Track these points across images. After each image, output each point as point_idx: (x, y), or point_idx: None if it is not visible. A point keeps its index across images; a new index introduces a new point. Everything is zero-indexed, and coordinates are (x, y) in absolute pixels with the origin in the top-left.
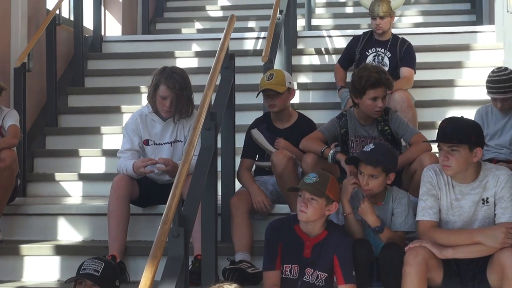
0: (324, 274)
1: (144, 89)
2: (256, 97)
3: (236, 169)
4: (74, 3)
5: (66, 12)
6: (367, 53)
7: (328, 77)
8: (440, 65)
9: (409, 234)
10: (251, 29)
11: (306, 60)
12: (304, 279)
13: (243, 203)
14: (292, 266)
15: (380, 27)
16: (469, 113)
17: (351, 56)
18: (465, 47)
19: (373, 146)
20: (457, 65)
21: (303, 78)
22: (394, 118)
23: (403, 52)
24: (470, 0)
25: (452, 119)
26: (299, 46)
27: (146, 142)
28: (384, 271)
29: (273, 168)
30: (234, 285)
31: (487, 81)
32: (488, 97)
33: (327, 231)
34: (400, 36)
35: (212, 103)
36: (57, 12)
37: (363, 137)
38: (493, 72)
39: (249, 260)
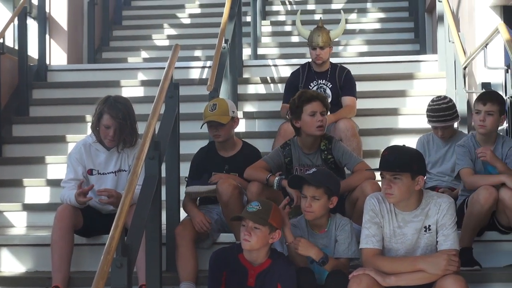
0: None
1: (89, 118)
2: (200, 128)
3: (181, 198)
4: (18, 32)
5: (10, 40)
6: (309, 86)
7: (273, 106)
8: (385, 94)
9: (353, 261)
10: (197, 58)
11: (252, 89)
12: None
13: (187, 232)
14: None
15: (320, 57)
16: (413, 141)
17: (294, 92)
18: (409, 76)
19: (315, 169)
20: (401, 93)
21: (249, 107)
22: (337, 147)
23: (342, 81)
24: (414, 29)
25: (394, 148)
26: (245, 75)
27: (90, 172)
28: None
29: (219, 197)
30: None
31: (427, 110)
32: None
33: (271, 260)
34: (338, 64)
35: (156, 132)
36: (1, 40)
37: (307, 166)
38: (432, 101)
39: None
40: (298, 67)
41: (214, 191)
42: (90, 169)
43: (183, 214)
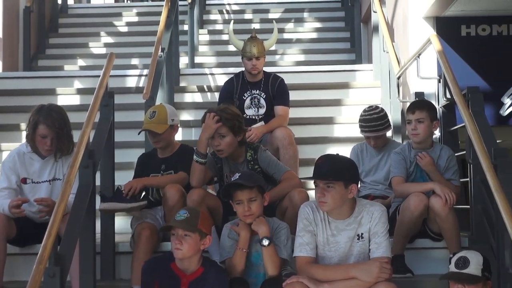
0: None
1: (24, 126)
2: (138, 134)
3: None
4: None
5: None
6: (243, 97)
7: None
8: (321, 103)
9: (287, 270)
10: (134, 67)
11: (188, 97)
12: None
13: (153, 239)
14: None
15: (256, 67)
16: (349, 150)
17: (230, 102)
18: (345, 85)
19: (240, 174)
20: (337, 102)
21: (186, 116)
22: (263, 157)
23: (276, 90)
24: (350, 39)
25: (328, 157)
26: (182, 84)
27: (24, 181)
28: None
29: (165, 201)
30: None
31: (360, 120)
32: None
33: (204, 268)
34: (272, 73)
35: (91, 140)
36: None
37: (236, 173)
38: (364, 111)
39: None
40: (233, 75)
41: (132, 209)
42: (24, 178)
43: (117, 223)
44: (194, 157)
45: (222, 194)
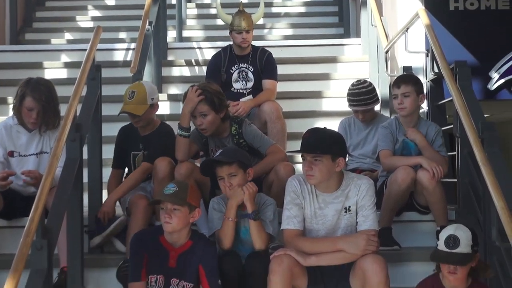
0: (190, 284)
1: (11, 100)
2: (118, 115)
3: (104, 180)
4: None
5: None
6: (231, 70)
7: None
8: (309, 77)
9: (274, 243)
10: (121, 40)
11: (176, 71)
12: None
13: (150, 208)
14: (158, 276)
15: (246, 40)
16: (337, 124)
17: (217, 75)
18: (333, 60)
19: (221, 150)
20: (325, 76)
21: (174, 89)
22: (248, 131)
23: (264, 63)
24: (338, 13)
25: (316, 130)
26: (170, 58)
27: (11, 154)
28: (249, 280)
29: (155, 174)
30: None
31: (348, 94)
32: None
33: (192, 241)
34: (260, 47)
35: (78, 114)
36: None
37: (222, 147)
38: (353, 85)
39: None
40: (220, 49)
41: (116, 227)
42: (11, 151)
43: (105, 196)
44: (178, 131)
45: (201, 170)
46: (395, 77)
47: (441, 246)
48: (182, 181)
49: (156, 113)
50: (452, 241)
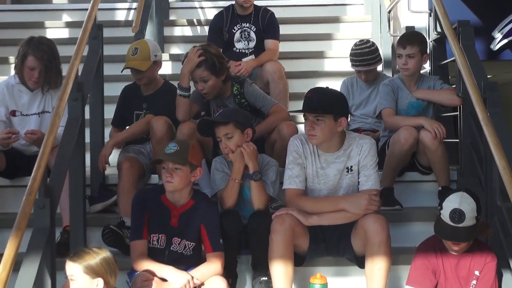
0: (191, 243)
1: (12, 59)
2: (121, 72)
3: (106, 140)
4: None
5: None
6: (233, 30)
7: None
8: (311, 37)
9: (275, 203)
10: (123, 0)
11: (178, 31)
12: (171, 249)
13: (134, 169)
14: (160, 235)
15: (248, 0)
16: (339, 84)
17: (219, 35)
18: (335, 19)
19: (221, 110)
20: (327, 37)
21: (175, 49)
22: (250, 90)
23: (266, 23)
24: None
25: (318, 90)
26: (172, 17)
27: (13, 113)
28: (251, 239)
29: (152, 134)
30: (103, 254)
31: (351, 54)
32: None
33: (194, 200)
34: (262, 7)
35: (80, 74)
36: None
37: (223, 107)
38: (355, 45)
39: None
40: (222, 9)
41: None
42: (13, 110)
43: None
44: (178, 91)
45: (198, 130)
46: (400, 36)
47: (446, 218)
48: (184, 140)
49: (159, 72)
50: (458, 215)
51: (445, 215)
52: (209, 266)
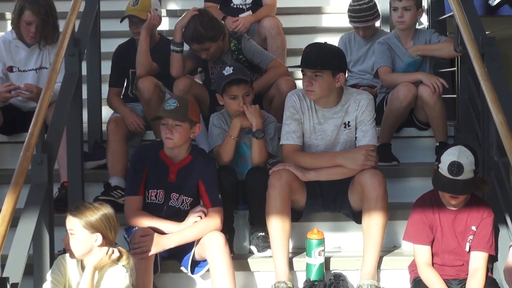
0: (189, 198)
1: (9, 15)
2: (120, 22)
3: (103, 96)
4: None
5: None
6: None
7: (198, 3)
8: None
9: (273, 159)
10: None
11: None
12: (169, 204)
13: (120, 129)
14: (158, 191)
15: None
16: (336, 40)
17: None
18: None
19: (231, 68)
20: None
21: (173, 5)
22: (248, 46)
23: None
24: None
25: (316, 45)
26: None
27: (10, 69)
28: (249, 194)
29: (140, 95)
30: (104, 210)
31: (349, 10)
32: None
33: (192, 156)
34: None
35: (77, 29)
36: None
37: (221, 64)
38: (354, 1)
39: (123, 185)
40: None
41: None
42: (10, 66)
43: (104, 112)
44: (171, 46)
45: (218, 88)
46: None
47: (444, 172)
48: (183, 97)
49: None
50: (456, 168)
51: (443, 168)
52: (208, 221)
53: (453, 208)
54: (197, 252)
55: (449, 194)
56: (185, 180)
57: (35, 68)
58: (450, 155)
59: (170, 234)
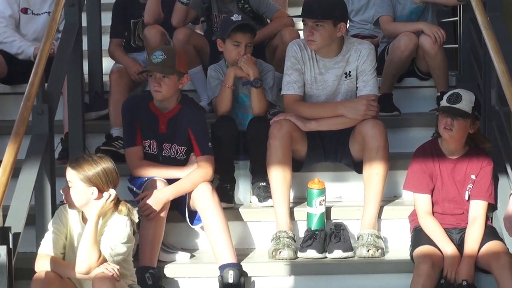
0: (182, 147)
1: None
2: None
3: (104, 48)
4: None
5: None
6: None
7: None
8: None
9: (274, 109)
10: None
11: None
12: (164, 154)
13: (123, 79)
14: (151, 141)
15: None
16: None
17: None
18: None
19: (239, 17)
20: None
21: None
22: None
23: None
24: None
25: None
26: None
27: (24, 11)
28: (250, 145)
29: (147, 43)
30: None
31: None
32: None
33: (181, 105)
34: None
35: None
36: None
37: (225, 13)
38: None
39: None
40: None
41: None
42: (25, 8)
43: (105, 64)
44: None
45: (223, 33)
46: None
47: (443, 102)
48: (170, 48)
49: None
50: (455, 96)
51: (443, 102)
52: (198, 171)
53: (453, 157)
54: (191, 204)
55: (444, 125)
56: (175, 130)
57: (48, 11)
58: (451, 90)
59: (165, 188)
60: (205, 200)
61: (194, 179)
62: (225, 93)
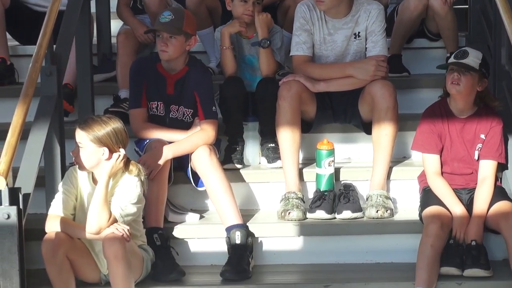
0: (189, 110)
1: None
2: None
3: (112, 11)
4: None
5: None
6: None
7: None
8: None
9: (282, 70)
10: None
11: None
12: (171, 116)
13: (130, 41)
14: (158, 103)
15: None
16: None
17: None
18: None
19: None
20: None
21: None
22: None
23: None
24: None
25: None
26: None
27: None
28: (259, 106)
29: (147, 9)
30: (113, 124)
31: None
32: None
33: (188, 67)
34: None
35: None
36: None
37: None
38: None
39: None
40: None
41: None
42: None
43: (113, 26)
44: None
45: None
46: None
47: (451, 59)
48: (178, 8)
49: None
50: (462, 52)
51: (450, 58)
52: (199, 133)
53: (462, 117)
54: (193, 166)
55: (451, 80)
56: (182, 91)
57: None
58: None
59: (164, 146)
60: (204, 164)
61: (195, 140)
62: (225, 55)
